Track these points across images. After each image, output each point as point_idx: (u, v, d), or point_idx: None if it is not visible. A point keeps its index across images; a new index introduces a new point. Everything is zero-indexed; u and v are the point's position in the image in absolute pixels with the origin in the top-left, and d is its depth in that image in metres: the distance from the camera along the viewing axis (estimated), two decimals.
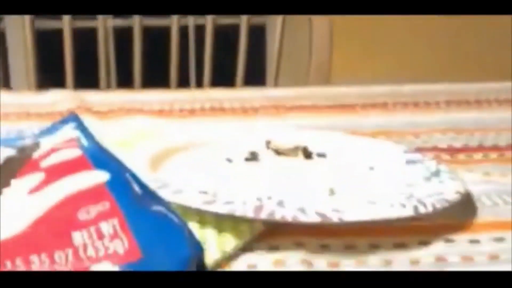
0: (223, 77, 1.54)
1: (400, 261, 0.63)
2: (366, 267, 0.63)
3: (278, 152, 0.84)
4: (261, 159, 0.82)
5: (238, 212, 0.65)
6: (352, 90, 1.17)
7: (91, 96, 1.09)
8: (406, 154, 0.83)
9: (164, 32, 1.56)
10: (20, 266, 0.52)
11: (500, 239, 0.67)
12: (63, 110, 1.01)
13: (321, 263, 0.63)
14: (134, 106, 1.06)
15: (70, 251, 0.54)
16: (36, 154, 0.67)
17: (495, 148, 0.91)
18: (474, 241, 0.67)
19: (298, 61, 1.70)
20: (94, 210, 0.57)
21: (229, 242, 0.64)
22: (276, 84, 1.57)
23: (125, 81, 1.53)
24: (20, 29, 1.54)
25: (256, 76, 1.88)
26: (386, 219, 0.66)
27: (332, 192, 0.73)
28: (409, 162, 0.81)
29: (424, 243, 0.66)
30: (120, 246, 0.54)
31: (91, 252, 0.54)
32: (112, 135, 0.84)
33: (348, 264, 0.63)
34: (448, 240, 0.67)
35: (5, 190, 0.61)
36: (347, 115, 1.04)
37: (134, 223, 0.56)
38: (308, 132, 0.90)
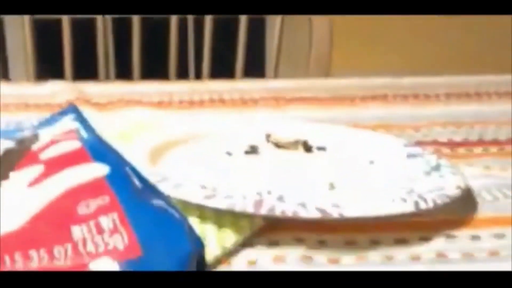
0: (223, 69, 1.54)
1: (401, 257, 0.63)
2: (367, 263, 0.62)
3: (278, 145, 0.84)
4: (261, 153, 0.82)
5: (238, 207, 0.65)
6: (352, 82, 1.16)
7: (90, 88, 1.09)
8: (406, 148, 0.83)
9: (164, 24, 1.55)
10: (19, 261, 0.52)
11: (500, 236, 0.67)
12: (62, 102, 1.00)
13: (321, 259, 0.62)
14: (133, 98, 1.05)
15: (69, 246, 0.53)
16: (35, 146, 0.67)
17: (495, 142, 0.91)
18: (475, 237, 0.67)
19: (298, 52, 1.69)
20: (93, 204, 0.57)
21: (229, 237, 0.64)
22: (275, 75, 1.56)
23: (124, 73, 1.52)
24: (18, 19, 1.53)
25: (255, 68, 1.88)
26: (386, 215, 0.66)
27: (332, 186, 0.73)
28: (409, 156, 0.81)
29: (425, 239, 0.66)
30: (120, 241, 0.54)
31: (90, 247, 0.53)
32: (111, 127, 0.84)
33: (348, 260, 0.63)
34: (449, 236, 0.67)
35: (4, 183, 0.61)
36: (347, 107, 1.04)
37: (134, 218, 0.56)
38: (308, 125, 0.90)
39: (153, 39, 1.64)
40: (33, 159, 0.64)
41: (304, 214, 0.64)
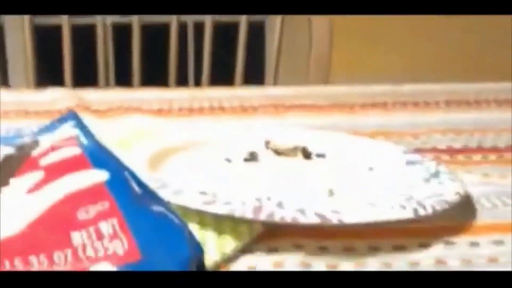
0: (222, 75, 1.54)
1: (400, 263, 0.63)
2: (365, 269, 0.62)
3: (277, 152, 0.84)
4: (260, 159, 0.82)
5: (238, 213, 0.65)
6: (351, 89, 1.16)
7: (89, 95, 1.09)
8: (405, 155, 0.83)
9: (163, 30, 1.55)
10: (19, 267, 0.52)
11: (499, 242, 0.67)
12: (62, 108, 1.00)
13: (320, 265, 0.63)
14: (133, 105, 1.05)
15: (69, 252, 0.53)
16: (35, 152, 0.67)
17: (495, 149, 0.91)
18: (473, 244, 0.67)
19: (298, 59, 1.70)
20: (93, 209, 0.57)
21: (229, 243, 0.64)
22: (275, 82, 1.56)
23: (123, 80, 1.53)
24: (19, 26, 1.54)
25: (255, 75, 1.88)
26: (385, 221, 0.66)
27: (331, 193, 0.73)
28: (408, 163, 0.81)
29: (424, 245, 0.66)
30: (119, 246, 0.54)
31: (90, 252, 0.53)
32: (111, 134, 0.84)
33: (347, 266, 0.63)
34: (448, 243, 0.67)
35: (4, 189, 0.61)
36: (347, 115, 1.04)
37: (133, 223, 0.56)
38: (307, 132, 0.90)
39: (152, 46, 1.64)
40: (33, 165, 0.64)
41: (303, 220, 0.64)
